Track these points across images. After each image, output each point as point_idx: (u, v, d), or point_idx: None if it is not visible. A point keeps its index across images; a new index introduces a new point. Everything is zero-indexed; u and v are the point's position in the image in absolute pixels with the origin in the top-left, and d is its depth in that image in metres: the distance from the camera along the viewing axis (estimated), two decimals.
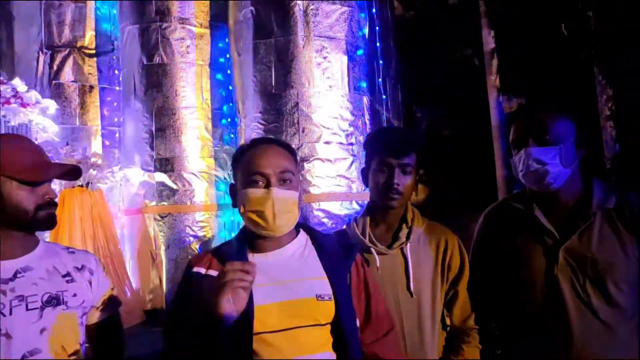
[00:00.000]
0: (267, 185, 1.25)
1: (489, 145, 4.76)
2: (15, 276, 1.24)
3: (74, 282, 1.31)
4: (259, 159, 1.27)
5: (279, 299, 1.22)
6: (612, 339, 1.43)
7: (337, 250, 1.33)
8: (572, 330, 1.45)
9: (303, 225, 1.39)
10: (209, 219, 4.00)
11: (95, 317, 1.37)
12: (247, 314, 1.17)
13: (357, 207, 3.58)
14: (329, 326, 1.25)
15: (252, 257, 1.28)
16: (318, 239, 1.35)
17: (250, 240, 1.31)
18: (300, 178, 3.17)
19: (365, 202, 3.66)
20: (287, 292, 1.23)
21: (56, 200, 1.31)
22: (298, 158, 1.42)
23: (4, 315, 1.19)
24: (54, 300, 1.26)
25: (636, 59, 3.90)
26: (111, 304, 1.41)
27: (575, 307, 1.45)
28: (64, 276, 1.31)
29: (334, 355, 1.24)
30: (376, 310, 1.33)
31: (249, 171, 1.26)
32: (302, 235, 1.36)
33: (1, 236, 1.25)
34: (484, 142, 4.84)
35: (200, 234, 3.94)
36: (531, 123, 1.52)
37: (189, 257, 3.87)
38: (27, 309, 1.22)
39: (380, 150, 1.57)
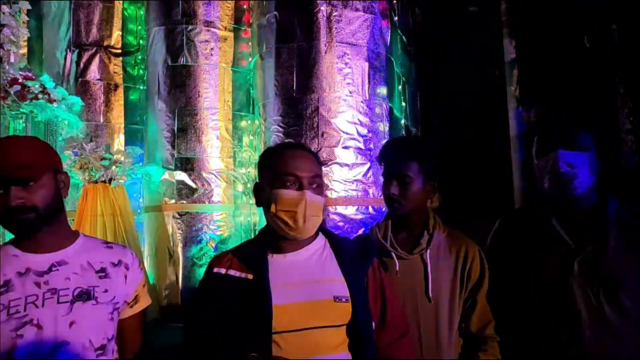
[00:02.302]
0: (300, 188, 1.28)
1: (507, 156, 4.76)
2: (50, 269, 1.27)
3: (107, 278, 1.34)
4: (293, 161, 1.30)
5: (297, 300, 1.25)
6: (624, 348, 1.45)
7: (354, 253, 1.36)
8: (585, 339, 1.47)
9: (321, 228, 1.41)
10: (226, 219, 4.05)
11: (127, 312, 1.41)
12: (266, 313, 1.21)
13: (373, 212, 3.60)
14: (345, 327, 1.27)
15: (272, 258, 1.31)
16: (336, 241, 1.38)
17: (270, 240, 1.34)
18: None
19: (382, 207, 3.69)
20: (305, 293, 1.26)
21: (25, 204, 1.22)
22: None
23: (37, 307, 1.23)
24: (85, 295, 1.28)
25: None
26: (141, 299, 1.44)
27: (589, 317, 1.47)
28: (97, 272, 1.33)
29: (349, 356, 1.27)
30: (392, 313, 1.35)
31: (281, 172, 1.29)
32: (321, 238, 1.39)
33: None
34: (502, 152, 4.83)
35: (218, 233, 4.00)
36: (560, 131, 1.54)
37: (205, 255, 3.94)
38: (58, 302, 1.25)
39: (381, 162, 1.65)
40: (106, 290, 1.33)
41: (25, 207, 1.23)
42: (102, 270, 1.34)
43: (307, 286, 1.27)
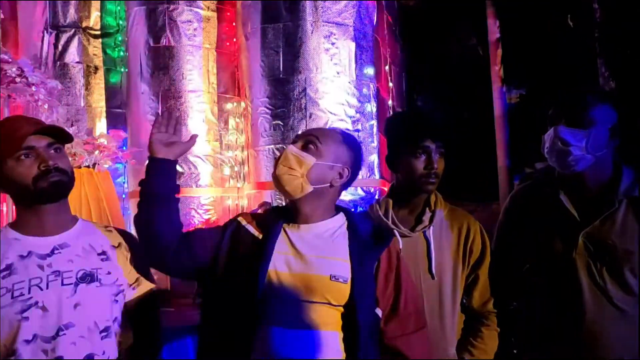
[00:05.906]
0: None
1: (492, 135, 4.81)
2: (52, 252, 1.28)
3: (108, 261, 1.34)
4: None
5: (293, 271, 1.27)
6: (625, 324, 1.45)
7: (368, 236, 1.35)
8: (585, 314, 1.47)
9: (343, 208, 1.43)
10: (214, 203, 4.01)
11: (131, 294, 1.39)
12: (256, 277, 1.24)
13: (362, 193, 3.62)
14: (341, 309, 1.27)
15: (286, 227, 1.33)
16: (354, 223, 1.37)
17: (288, 211, 1.36)
18: None
19: (370, 188, 3.69)
20: (302, 265, 1.27)
21: (59, 166, 1.26)
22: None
23: (41, 289, 1.23)
24: (88, 277, 1.29)
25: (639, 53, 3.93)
26: (143, 282, 1.43)
27: (591, 292, 1.46)
28: (99, 254, 1.33)
29: (336, 336, 1.27)
30: (405, 304, 1.32)
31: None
32: (341, 217, 1.39)
33: (36, 213, 1.28)
34: (487, 132, 4.88)
35: (205, 217, 3.96)
36: (568, 102, 1.50)
37: None
38: (62, 284, 1.25)
39: (415, 135, 1.54)
40: (109, 273, 1.33)
41: (60, 168, 1.26)
42: (103, 252, 1.35)
43: (306, 259, 1.28)
